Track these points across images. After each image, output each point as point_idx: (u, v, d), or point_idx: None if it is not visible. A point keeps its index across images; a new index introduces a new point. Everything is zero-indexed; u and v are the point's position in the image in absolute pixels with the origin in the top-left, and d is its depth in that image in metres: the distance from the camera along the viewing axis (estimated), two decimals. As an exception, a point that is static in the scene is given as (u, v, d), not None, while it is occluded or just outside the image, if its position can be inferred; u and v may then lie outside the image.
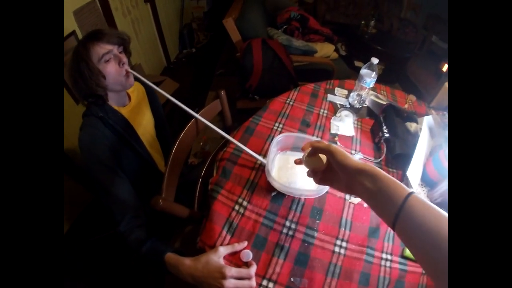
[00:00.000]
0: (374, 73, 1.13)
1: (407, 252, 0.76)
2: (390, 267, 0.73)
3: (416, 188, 0.92)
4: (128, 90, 1.05)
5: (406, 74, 3.68)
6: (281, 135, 0.88)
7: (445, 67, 2.97)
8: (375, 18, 3.64)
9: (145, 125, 1.12)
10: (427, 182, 0.95)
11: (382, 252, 0.75)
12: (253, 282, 0.66)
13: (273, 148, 0.85)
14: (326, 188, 0.77)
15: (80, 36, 1.69)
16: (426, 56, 3.99)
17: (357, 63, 3.42)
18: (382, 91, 1.41)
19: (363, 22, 3.52)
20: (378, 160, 0.99)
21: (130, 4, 2.49)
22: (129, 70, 0.94)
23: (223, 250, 0.68)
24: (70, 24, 1.63)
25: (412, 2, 4.22)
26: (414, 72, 3.69)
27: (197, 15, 4.00)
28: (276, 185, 0.78)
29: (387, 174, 0.48)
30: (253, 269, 0.67)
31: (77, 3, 1.70)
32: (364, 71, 1.15)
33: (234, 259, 0.70)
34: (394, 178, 0.48)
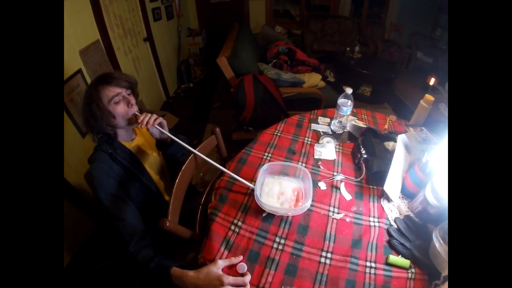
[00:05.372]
0: (350, 101, 1.26)
1: (391, 259, 0.80)
2: (374, 273, 0.78)
3: (397, 201, 0.99)
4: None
5: (394, 93, 3.75)
6: (267, 164, 1.00)
7: (432, 81, 3.04)
8: (360, 43, 3.75)
9: (154, 156, 1.19)
10: (407, 194, 1.01)
11: (366, 260, 0.81)
12: None
13: (261, 176, 0.97)
14: (307, 206, 0.87)
15: (86, 73, 1.81)
16: (412, 72, 4.12)
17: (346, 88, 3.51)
18: (363, 116, 1.51)
19: (348, 48, 3.63)
20: (359, 179, 1.05)
21: (131, 44, 2.64)
22: (137, 113, 1.01)
23: (221, 263, 0.77)
24: (76, 62, 1.74)
25: (395, 24, 4.41)
26: (402, 89, 3.77)
27: (194, 51, 4.19)
28: (265, 207, 0.87)
29: None
30: (248, 277, 0.75)
31: (83, 43, 1.83)
32: (340, 100, 1.27)
33: (232, 271, 0.78)
34: None
